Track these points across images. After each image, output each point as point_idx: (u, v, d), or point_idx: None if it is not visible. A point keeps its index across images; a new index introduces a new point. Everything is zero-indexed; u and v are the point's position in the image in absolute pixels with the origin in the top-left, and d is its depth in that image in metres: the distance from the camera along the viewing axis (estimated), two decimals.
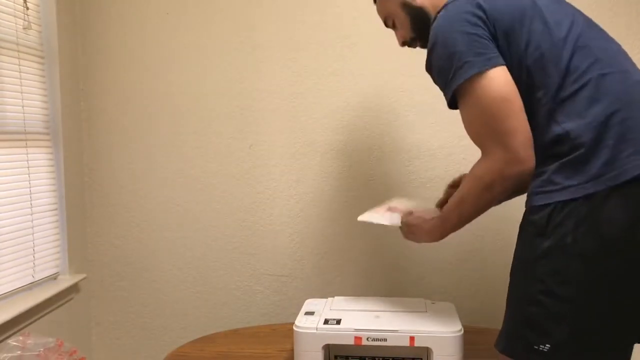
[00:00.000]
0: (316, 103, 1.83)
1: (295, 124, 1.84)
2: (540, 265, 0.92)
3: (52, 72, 1.75)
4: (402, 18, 1.20)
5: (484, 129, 0.98)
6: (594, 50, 0.96)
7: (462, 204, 1.06)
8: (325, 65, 1.80)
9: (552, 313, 0.91)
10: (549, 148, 0.95)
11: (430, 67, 1.07)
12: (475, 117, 1.00)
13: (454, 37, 0.98)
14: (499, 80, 0.96)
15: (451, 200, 1.09)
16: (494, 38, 0.98)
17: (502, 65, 0.96)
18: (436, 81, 1.07)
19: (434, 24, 1.04)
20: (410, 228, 1.23)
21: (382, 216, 1.34)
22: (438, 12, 1.05)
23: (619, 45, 1.02)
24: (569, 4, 1.05)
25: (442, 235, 1.15)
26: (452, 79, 0.99)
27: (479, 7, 0.99)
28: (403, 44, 1.25)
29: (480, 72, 0.96)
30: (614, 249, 0.88)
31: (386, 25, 1.28)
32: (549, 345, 0.91)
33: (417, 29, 1.19)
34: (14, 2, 1.59)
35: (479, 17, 0.98)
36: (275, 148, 1.85)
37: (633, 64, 1.00)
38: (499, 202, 1.04)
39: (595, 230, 0.88)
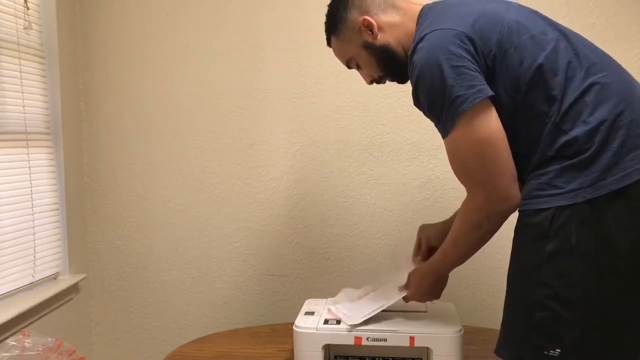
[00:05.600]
0: (316, 103, 1.83)
1: (295, 124, 1.84)
2: (545, 269, 0.91)
3: (52, 72, 1.75)
4: (366, 59, 1.14)
5: (468, 169, 0.98)
6: (586, 54, 0.96)
7: (457, 242, 1.07)
8: (325, 65, 1.80)
9: (562, 317, 0.89)
10: (555, 152, 0.93)
11: (418, 102, 1.04)
12: (461, 156, 0.99)
13: (442, 70, 0.94)
14: (488, 120, 0.94)
15: (447, 241, 1.10)
16: (487, 67, 0.96)
17: (492, 95, 0.94)
18: (428, 116, 1.03)
19: (416, 57, 0.99)
20: (418, 288, 1.22)
21: (373, 304, 1.28)
22: (417, 44, 1.00)
23: (602, 50, 1.01)
24: (545, 16, 1.04)
25: (446, 270, 1.17)
26: (447, 114, 0.96)
27: (468, 38, 0.95)
28: (371, 82, 1.19)
29: (473, 108, 0.93)
30: (620, 250, 0.87)
31: (348, 67, 1.19)
32: (559, 350, 0.89)
33: (384, 67, 1.13)
34: (15, 2, 1.59)
35: (467, 51, 0.95)
36: (275, 148, 1.85)
37: (620, 64, 0.99)
38: (494, 233, 1.04)
39: (599, 230, 0.88)
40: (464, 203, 1.04)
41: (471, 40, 0.96)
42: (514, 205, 0.97)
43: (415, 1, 1.12)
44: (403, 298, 1.25)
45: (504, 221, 1.00)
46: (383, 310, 1.30)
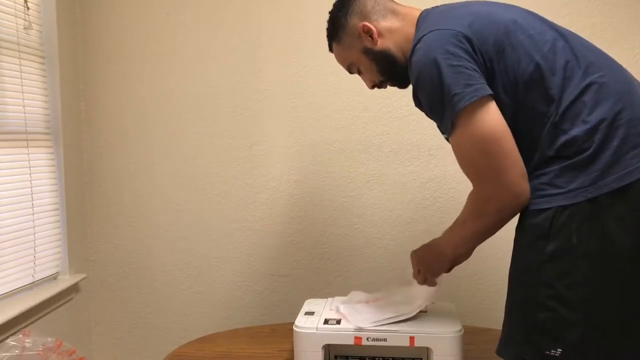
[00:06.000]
0: (316, 103, 1.83)
1: (295, 124, 1.84)
2: (546, 269, 0.91)
3: (52, 72, 1.75)
4: (366, 64, 1.15)
5: (475, 166, 0.98)
6: (584, 54, 0.96)
7: (465, 224, 1.06)
8: (325, 65, 1.80)
9: (563, 317, 0.89)
10: (555, 152, 0.93)
11: (419, 104, 1.04)
12: (466, 154, 0.99)
13: (439, 70, 0.95)
14: (488, 116, 0.94)
15: (456, 220, 1.09)
16: (486, 67, 0.96)
17: (490, 94, 0.94)
18: (430, 116, 1.04)
19: (414, 58, 1.00)
20: (420, 258, 1.22)
21: (387, 313, 1.27)
22: (415, 46, 1.01)
23: (600, 49, 1.01)
24: (543, 17, 1.04)
25: (449, 248, 1.13)
26: (446, 113, 0.96)
27: (465, 38, 0.96)
28: (372, 86, 1.20)
29: (470, 105, 0.93)
30: (620, 250, 0.87)
31: (350, 72, 1.21)
32: (560, 350, 0.89)
33: (385, 72, 1.14)
34: (15, 2, 1.59)
35: (465, 50, 0.95)
36: (275, 148, 1.85)
37: (619, 63, 0.99)
38: (502, 224, 1.02)
39: (600, 230, 0.87)
40: (471, 195, 1.03)
41: (468, 39, 0.96)
42: (523, 202, 0.95)
43: (415, 6, 1.14)
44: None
45: (513, 216, 0.99)
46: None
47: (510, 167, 0.94)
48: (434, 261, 1.18)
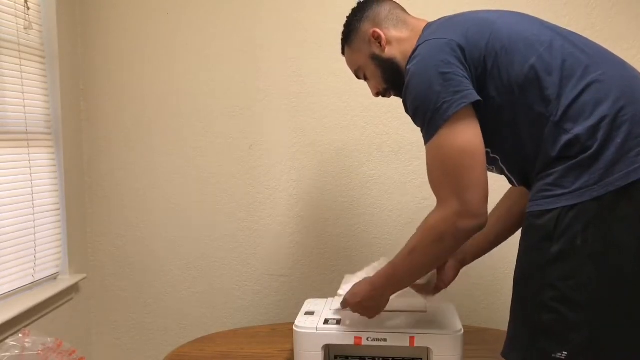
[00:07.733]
0: (316, 103, 1.83)
1: (295, 124, 1.84)
2: (551, 270, 0.90)
3: (52, 72, 1.75)
4: (372, 70, 1.18)
5: (444, 177, 0.99)
6: (584, 52, 0.96)
7: (413, 253, 1.07)
8: (325, 65, 1.80)
9: (568, 319, 0.89)
10: (558, 153, 0.93)
11: (406, 108, 1.06)
12: (440, 162, 1.00)
13: (430, 77, 0.97)
14: (470, 128, 0.96)
15: (402, 250, 1.10)
16: (477, 75, 0.98)
17: (477, 100, 0.96)
18: (414, 121, 1.05)
19: (409, 66, 1.03)
20: (355, 303, 1.21)
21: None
22: (412, 54, 1.04)
23: (603, 47, 1.02)
24: (542, 19, 1.05)
25: (387, 287, 1.15)
26: (432, 120, 0.98)
27: (459, 46, 0.98)
28: (377, 94, 1.23)
29: (456, 113, 0.95)
30: (626, 250, 0.86)
31: (357, 77, 1.25)
32: (566, 353, 0.89)
33: (389, 80, 1.17)
34: (15, 2, 1.59)
35: (457, 58, 0.97)
36: (275, 148, 1.85)
37: (622, 60, 1.00)
38: (450, 254, 1.07)
39: (605, 230, 0.87)
40: (430, 216, 1.04)
41: (461, 47, 0.98)
42: (481, 225, 0.97)
43: (423, 18, 1.17)
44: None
45: (465, 241, 1.01)
46: (383, 311, 1.30)
47: (478, 184, 0.96)
48: (366, 301, 1.19)
